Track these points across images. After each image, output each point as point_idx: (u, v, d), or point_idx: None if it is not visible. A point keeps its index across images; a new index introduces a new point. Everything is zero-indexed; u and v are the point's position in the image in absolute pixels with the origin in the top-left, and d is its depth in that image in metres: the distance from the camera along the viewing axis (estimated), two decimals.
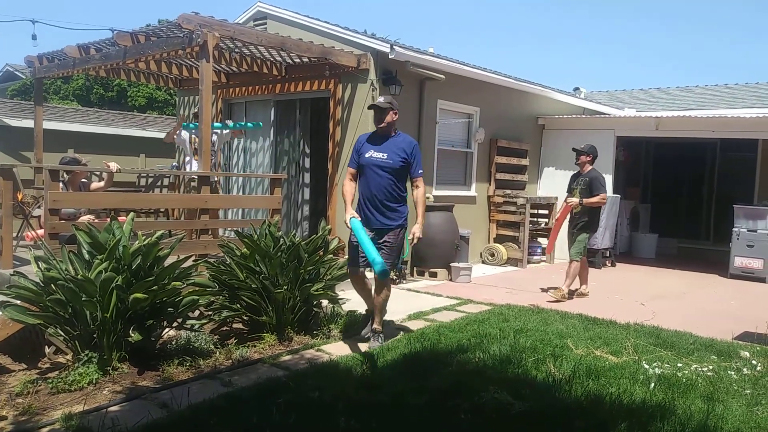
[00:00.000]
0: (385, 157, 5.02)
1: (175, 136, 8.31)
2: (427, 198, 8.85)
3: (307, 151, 9.29)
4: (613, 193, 10.63)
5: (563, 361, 4.44)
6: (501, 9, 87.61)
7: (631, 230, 12.34)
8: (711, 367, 4.43)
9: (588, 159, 7.24)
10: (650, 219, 12.95)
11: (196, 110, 8.55)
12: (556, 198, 10.79)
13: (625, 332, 5.46)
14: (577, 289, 7.43)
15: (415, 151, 5.06)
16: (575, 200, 7.09)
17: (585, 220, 7.17)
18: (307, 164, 9.30)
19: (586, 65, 72.05)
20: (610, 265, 10.42)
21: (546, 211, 10.78)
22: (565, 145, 11.21)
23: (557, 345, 4.90)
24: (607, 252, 10.45)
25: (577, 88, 14.21)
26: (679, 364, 4.48)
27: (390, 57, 7.76)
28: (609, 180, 10.76)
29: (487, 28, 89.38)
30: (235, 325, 5.55)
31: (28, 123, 11.32)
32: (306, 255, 5.31)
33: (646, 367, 4.37)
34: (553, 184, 11.23)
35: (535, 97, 11.01)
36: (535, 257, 10.41)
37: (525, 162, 10.96)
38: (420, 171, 5.08)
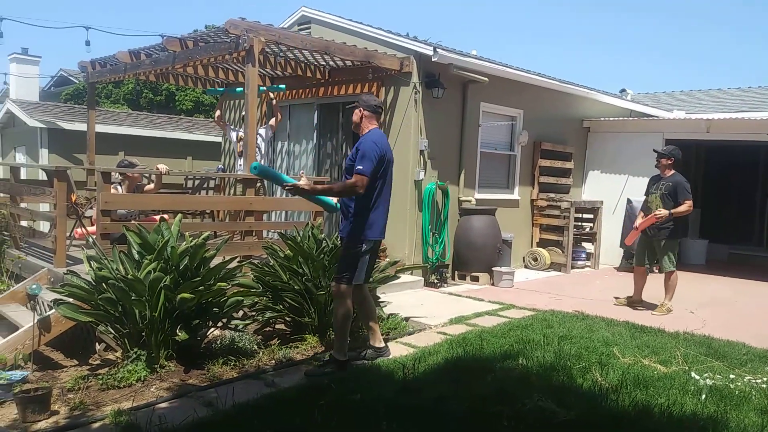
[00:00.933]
0: (347, 158, 4.62)
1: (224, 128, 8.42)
2: (469, 201, 8.80)
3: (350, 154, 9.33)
4: None
5: (609, 370, 4.35)
6: (543, 12, 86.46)
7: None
8: (765, 379, 4.26)
9: (669, 162, 6.77)
10: (700, 224, 12.57)
11: (243, 113, 8.66)
12: (602, 202, 10.59)
13: (674, 341, 5.31)
14: (631, 297, 7.21)
15: (362, 147, 4.36)
16: (664, 212, 6.57)
17: (670, 227, 6.69)
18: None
19: (633, 67, 70.48)
20: (657, 271, 10.12)
21: (591, 215, 10.59)
22: (611, 148, 11.03)
23: (603, 353, 4.79)
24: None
25: (623, 90, 13.93)
26: (732, 376, 4.33)
27: (433, 60, 7.74)
28: None
29: (530, 32, 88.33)
30: (277, 326, 5.62)
31: (81, 126, 11.70)
32: None
33: (697, 377, 4.24)
34: (598, 187, 11.01)
35: (579, 99, 10.82)
36: (579, 262, 10.23)
37: (569, 165, 10.78)
38: (360, 167, 4.29)
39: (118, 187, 6.87)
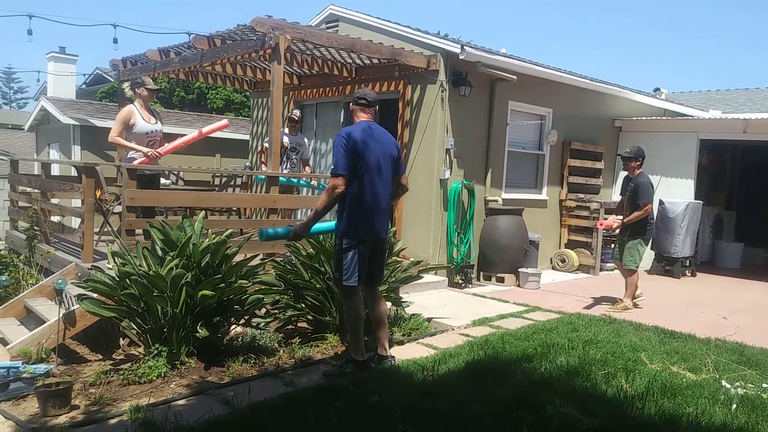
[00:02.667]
0: None
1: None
2: (495, 201, 8.68)
3: None
4: (695, 199, 10.09)
5: (636, 376, 4.22)
6: (574, 12, 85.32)
7: (714, 238, 11.67)
8: None
9: (637, 164, 6.80)
10: (735, 227, 12.22)
11: (290, 113, 8.60)
12: None
13: (705, 348, 5.14)
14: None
15: (333, 143, 4.20)
16: (612, 221, 6.84)
17: (634, 226, 6.78)
18: None
19: (667, 67, 69.03)
20: (690, 274, 9.88)
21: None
22: (644, 148, 10.73)
23: (630, 358, 4.66)
24: (687, 261, 9.91)
25: (657, 89, 13.59)
26: (765, 385, 4.16)
27: (460, 58, 7.64)
28: (690, 185, 10.24)
29: (560, 30, 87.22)
30: (299, 325, 5.61)
31: (112, 123, 11.89)
32: None
33: (728, 386, 4.09)
34: None
35: (611, 98, 10.59)
36: (608, 264, 10.00)
37: (599, 165, 10.56)
38: (332, 168, 4.22)
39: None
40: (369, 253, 4.35)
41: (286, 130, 8.26)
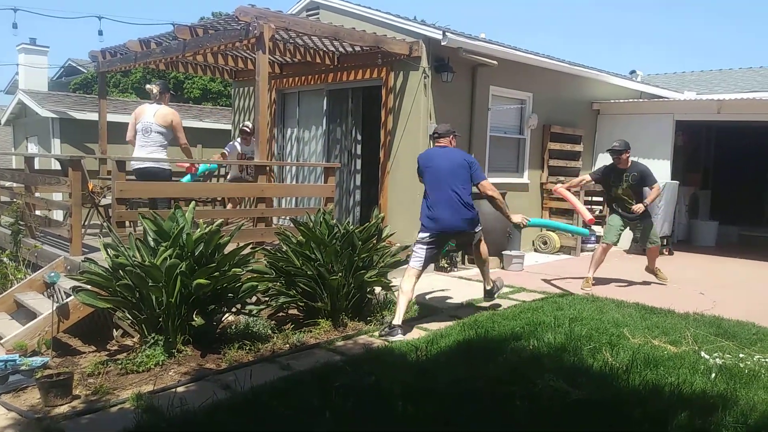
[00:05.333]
0: None
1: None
2: None
3: (359, 138, 9.37)
4: (672, 180, 10.34)
5: (620, 350, 4.39)
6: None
7: (690, 218, 11.96)
8: None
9: (627, 155, 7.00)
10: (710, 206, 12.53)
11: (242, 125, 9.39)
12: None
13: (684, 322, 5.34)
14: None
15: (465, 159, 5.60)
16: (641, 206, 6.89)
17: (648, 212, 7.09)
18: (359, 151, 9.38)
19: (643, 48, 69.68)
20: (667, 253, 10.14)
21: (601, 198, 10.56)
22: (621, 130, 10.97)
23: (613, 334, 4.83)
24: (665, 240, 10.17)
25: (633, 71, 13.84)
26: (741, 355, 4.37)
27: (442, 44, 7.72)
28: (667, 166, 10.46)
29: (539, 14, 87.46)
30: (290, 311, 5.69)
31: (92, 116, 11.79)
32: (360, 242, 5.40)
33: (707, 357, 4.28)
34: None
35: (589, 82, 10.77)
36: (588, 245, 10.21)
37: (579, 148, 10.75)
38: (480, 174, 5.66)
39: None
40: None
41: (239, 140, 9.14)
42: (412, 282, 5.30)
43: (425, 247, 5.32)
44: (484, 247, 5.73)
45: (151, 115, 6.49)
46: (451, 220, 5.26)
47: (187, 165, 7.22)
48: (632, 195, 6.98)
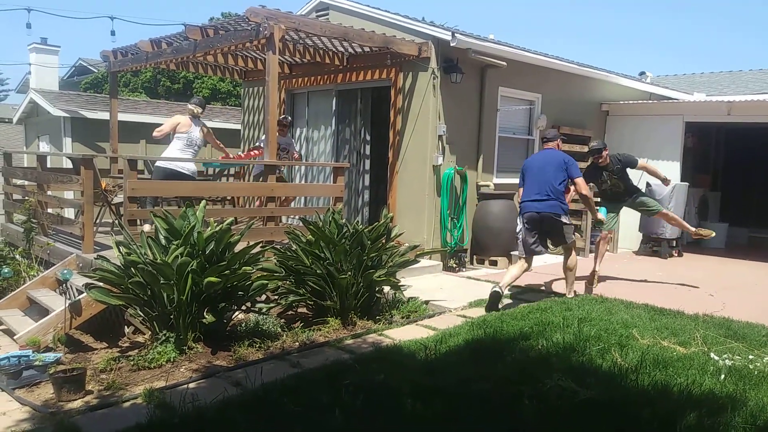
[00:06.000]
0: None
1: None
2: (487, 186, 8.83)
3: (368, 138, 9.40)
4: (681, 181, 10.30)
5: (629, 351, 4.39)
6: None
7: (700, 219, 11.90)
8: None
9: (606, 152, 7.23)
10: (720, 208, 12.46)
11: (281, 117, 9.16)
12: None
13: (693, 323, 5.33)
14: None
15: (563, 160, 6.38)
16: (668, 180, 7.42)
17: (633, 187, 7.38)
18: (368, 151, 9.41)
19: (653, 50, 69.40)
20: (677, 255, 10.11)
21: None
22: (630, 131, 10.96)
23: (622, 335, 4.83)
24: (674, 241, 10.14)
25: (643, 73, 13.80)
26: (751, 356, 4.36)
27: (451, 45, 7.74)
28: (677, 167, 10.43)
29: (548, 14, 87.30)
30: (300, 310, 5.73)
31: (103, 115, 11.88)
32: (369, 242, 5.43)
33: (716, 358, 4.27)
34: None
35: (598, 83, 10.75)
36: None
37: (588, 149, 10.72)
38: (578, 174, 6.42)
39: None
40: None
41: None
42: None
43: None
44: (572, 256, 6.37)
45: (199, 133, 7.30)
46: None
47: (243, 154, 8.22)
48: (620, 183, 7.25)
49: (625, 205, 7.45)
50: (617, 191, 7.26)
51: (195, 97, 7.71)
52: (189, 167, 7.02)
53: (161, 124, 7.39)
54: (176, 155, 7.10)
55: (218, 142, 7.87)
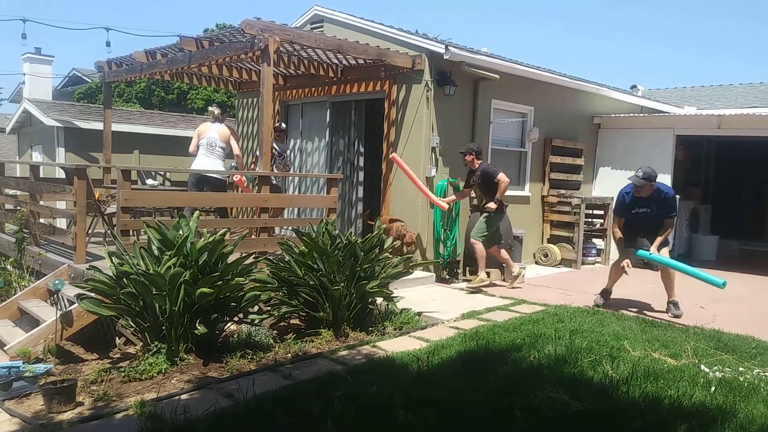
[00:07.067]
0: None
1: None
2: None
3: (362, 150, 9.43)
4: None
5: (620, 363, 4.41)
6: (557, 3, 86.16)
7: (691, 231, 11.99)
8: None
9: (472, 157, 7.63)
10: (710, 220, 12.56)
11: (276, 124, 9.18)
12: (612, 198, 10.56)
13: (684, 335, 5.37)
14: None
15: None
16: (492, 206, 7.49)
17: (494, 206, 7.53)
18: (362, 163, 9.44)
19: (644, 61, 70.08)
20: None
21: (601, 212, 10.62)
22: (622, 144, 11.06)
23: (614, 346, 4.86)
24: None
25: (634, 86, 13.91)
26: (741, 369, 4.39)
27: (445, 58, 7.80)
28: (668, 180, 10.51)
29: (541, 25, 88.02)
30: (292, 321, 5.72)
31: (96, 125, 11.87)
32: (362, 253, 5.44)
33: (707, 370, 4.31)
34: (609, 183, 11.03)
35: (590, 96, 10.85)
36: (589, 258, 10.27)
37: (580, 162, 10.81)
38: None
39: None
40: None
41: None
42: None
43: None
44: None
45: (215, 132, 7.61)
46: None
47: (238, 178, 8.38)
48: (483, 192, 7.68)
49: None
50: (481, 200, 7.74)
51: (214, 102, 8.07)
52: (214, 169, 7.47)
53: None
54: (201, 160, 7.54)
55: (236, 146, 7.91)
